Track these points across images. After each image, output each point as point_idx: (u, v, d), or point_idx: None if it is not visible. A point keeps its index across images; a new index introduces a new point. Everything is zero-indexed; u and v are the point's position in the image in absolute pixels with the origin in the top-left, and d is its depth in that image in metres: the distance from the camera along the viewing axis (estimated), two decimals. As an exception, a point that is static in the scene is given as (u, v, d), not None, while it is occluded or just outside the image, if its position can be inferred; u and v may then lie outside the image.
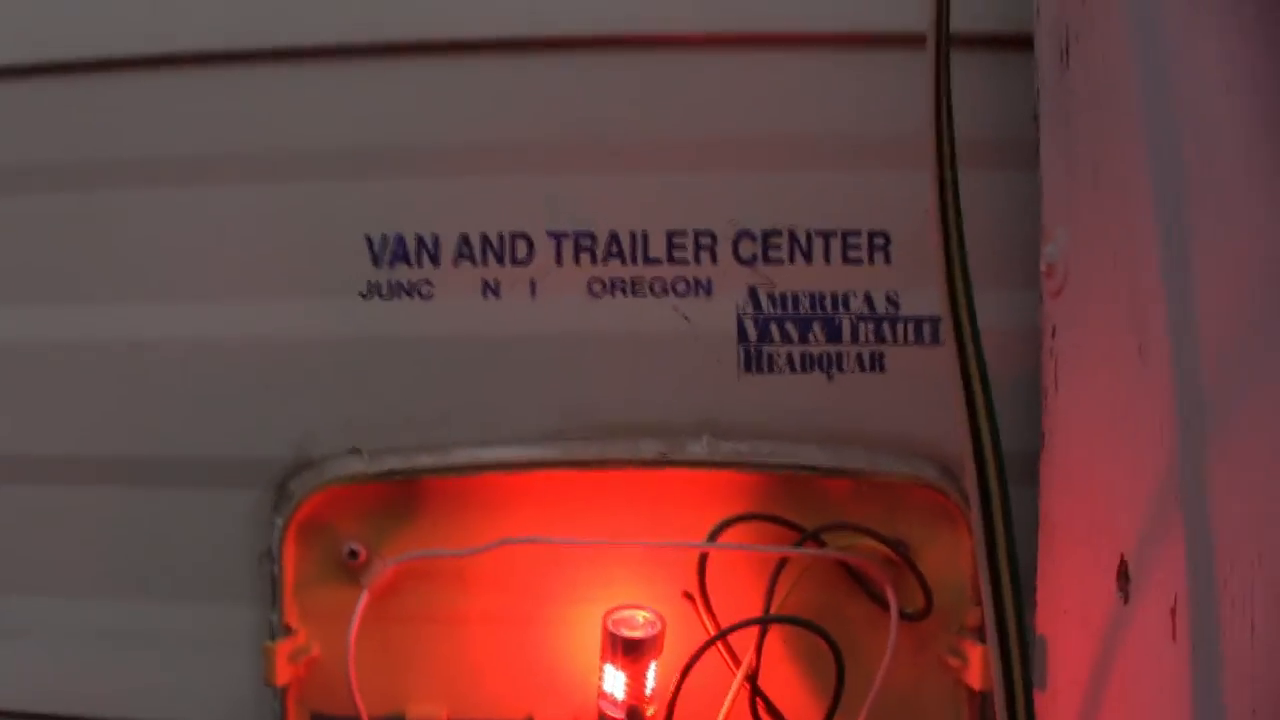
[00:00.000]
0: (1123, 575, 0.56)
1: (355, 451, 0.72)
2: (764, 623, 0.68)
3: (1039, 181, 0.66)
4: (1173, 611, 0.50)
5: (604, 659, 0.68)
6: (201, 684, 0.74)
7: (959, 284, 0.61)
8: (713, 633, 0.68)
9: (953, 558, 0.69)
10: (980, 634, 0.68)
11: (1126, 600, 0.56)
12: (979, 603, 0.67)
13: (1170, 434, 0.51)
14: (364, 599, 0.70)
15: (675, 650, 0.68)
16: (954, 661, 0.69)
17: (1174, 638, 0.50)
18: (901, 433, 0.70)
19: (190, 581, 0.74)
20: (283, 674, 0.70)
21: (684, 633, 0.68)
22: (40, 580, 0.75)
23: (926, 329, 0.70)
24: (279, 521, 0.71)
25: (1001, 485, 0.60)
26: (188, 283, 0.73)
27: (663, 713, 0.68)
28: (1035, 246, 0.67)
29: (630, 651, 0.67)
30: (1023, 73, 0.68)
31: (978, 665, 0.68)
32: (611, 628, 0.67)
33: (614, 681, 0.67)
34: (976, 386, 0.60)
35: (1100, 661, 0.58)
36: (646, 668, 0.67)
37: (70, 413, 0.74)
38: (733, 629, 0.68)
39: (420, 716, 0.71)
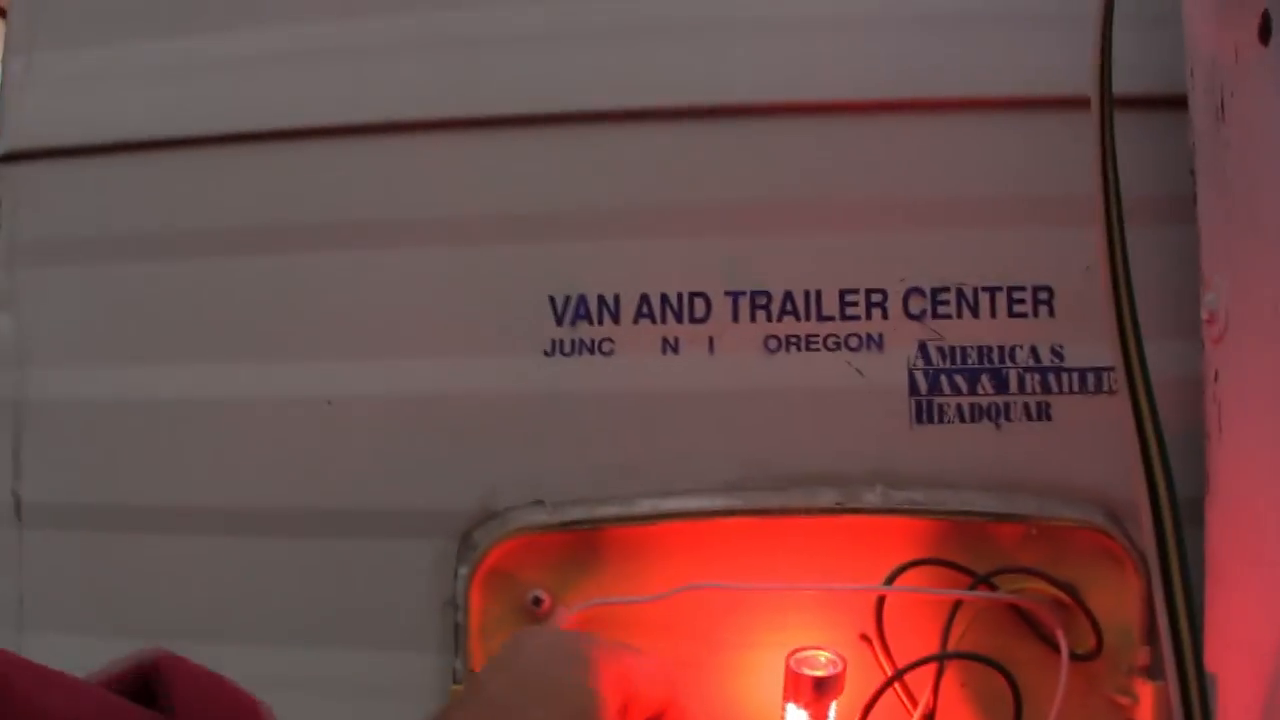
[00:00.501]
0: (1293, 608, 0.58)
1: (539, 503, 0.74)
2: (942, 659, 0.70)
3: (1197, 233, 0.68)
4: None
5: (786, 698, 0.70)
6: (385, 730, 0.76)
7: (1130, 335, 0.64)
8: (889, 675, 0.70)
9: (1120, 599, 0.71)
10: (1150, 673, 0.70)
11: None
12: (1147, 642, 0.70)
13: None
14: (548, 645, 0.72)
15: (852, 692, 0.69)
16: (1124, 700, 0.70)
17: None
18: (1068, 479, 0.72)
19: (376, 630, 0.76)
20: (469, 717, 0.72)
21: (860, 676, 0.70)
22: (230, 628, 0.78)
23: (1090, 379, 0.72)
24: (464, 571, 0.73)
25: (1176, 526, 0.62)
26: (378, 341, 0.76)
27: (843, 752, 0.69)
28: (1192, 297, 0.69)
29: (814, 690, 0.68)
30: (1175, 130, 0.70)
31: (1149, 704, 0.69)
32: (795, 667, 0.69)
33: (797, 721, 0.70)
34: (1150, 432, 0.63)
35: (1271, 693, 0.59)
36: (828, 707, 0.69)
37: (263, 466, 0.78)
38: (913, 666, 0.70)
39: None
